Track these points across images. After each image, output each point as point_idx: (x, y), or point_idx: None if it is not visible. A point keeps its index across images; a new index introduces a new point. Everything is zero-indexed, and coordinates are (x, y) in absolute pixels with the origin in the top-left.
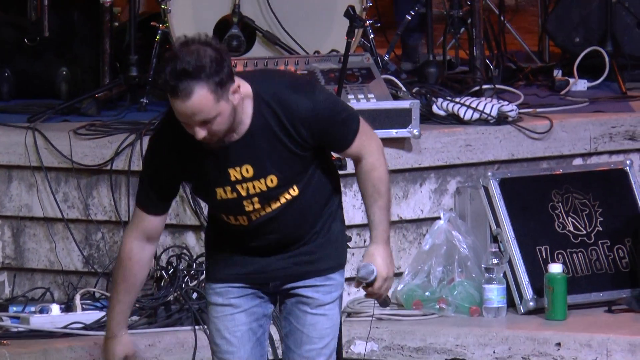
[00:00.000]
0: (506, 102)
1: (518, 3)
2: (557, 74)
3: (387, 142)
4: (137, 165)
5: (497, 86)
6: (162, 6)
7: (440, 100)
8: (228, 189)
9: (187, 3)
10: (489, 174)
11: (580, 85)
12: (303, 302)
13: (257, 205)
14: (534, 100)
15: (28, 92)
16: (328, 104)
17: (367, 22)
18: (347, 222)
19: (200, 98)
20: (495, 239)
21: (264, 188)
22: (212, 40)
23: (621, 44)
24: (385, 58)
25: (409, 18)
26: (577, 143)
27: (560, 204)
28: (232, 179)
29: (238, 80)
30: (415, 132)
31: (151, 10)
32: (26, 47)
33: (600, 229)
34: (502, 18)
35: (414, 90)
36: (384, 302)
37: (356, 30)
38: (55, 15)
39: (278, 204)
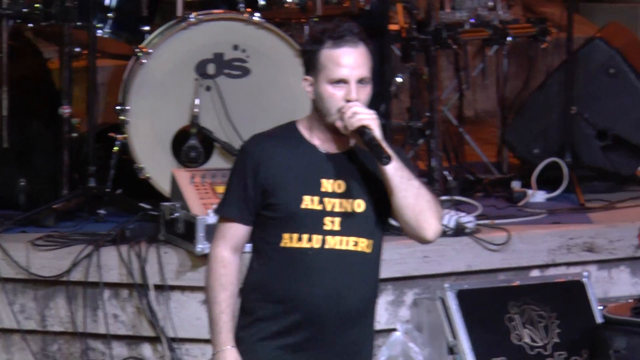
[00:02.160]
0: (464, 214)
1: (477, 114)
2: (517, 185)
3: None
4: (94, 276)
5: (455, 197)
6: (121, 117)
7: None
8: (316, 198)
9: (146, 114)
10: (446, 285)
11: (539, 196)
12: None
13: (336, 227)
14: (492, 211)
15: None
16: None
17: None
18: None
19: (364, 50)
20: (451, 351)
21: (349, 209)
22: None
23: (580, 155)
24: None
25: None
26: (535, 255)
27: (517, 315)
28: (322, 189)
29: None
30: None
31: (110, 121)
32: None
33: (557, 340)
34: (460, 130)
35: None
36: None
37: None
38: (14, 126)
39: (352, 247)
